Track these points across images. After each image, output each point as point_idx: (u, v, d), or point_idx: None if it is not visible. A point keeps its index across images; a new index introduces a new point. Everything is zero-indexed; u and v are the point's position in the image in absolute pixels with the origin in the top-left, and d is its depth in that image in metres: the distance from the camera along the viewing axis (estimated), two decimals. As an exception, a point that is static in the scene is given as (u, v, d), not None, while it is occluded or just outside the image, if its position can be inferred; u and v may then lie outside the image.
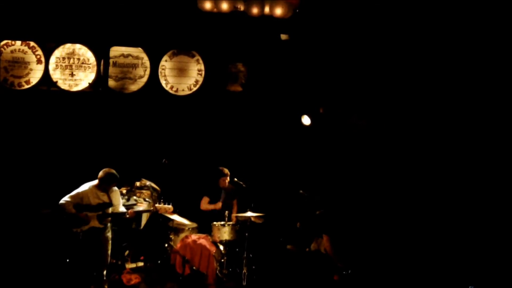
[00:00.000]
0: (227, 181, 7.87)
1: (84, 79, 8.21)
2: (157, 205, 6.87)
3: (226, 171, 7.88)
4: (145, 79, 8.36)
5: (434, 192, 7.00)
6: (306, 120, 8.24)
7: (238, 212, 7.77)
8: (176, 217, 7.16)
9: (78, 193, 6.51)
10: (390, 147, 7.55)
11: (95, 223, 6.53)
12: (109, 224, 6.73)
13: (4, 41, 7.96)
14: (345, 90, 7.95)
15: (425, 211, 7.00)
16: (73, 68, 8.16)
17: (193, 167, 8.40)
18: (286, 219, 7.79)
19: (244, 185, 7.72)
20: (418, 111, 7.27)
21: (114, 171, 6.61)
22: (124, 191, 7.78)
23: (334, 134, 8.13)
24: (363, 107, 7.78)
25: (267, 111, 8.46)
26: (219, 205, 7.77)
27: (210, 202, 7.89)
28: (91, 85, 8.17)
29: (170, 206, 6.82)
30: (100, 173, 6.60)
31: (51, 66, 8.14)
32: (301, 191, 7.53)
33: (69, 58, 8.17)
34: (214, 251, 7.28)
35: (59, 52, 8.16)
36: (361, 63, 7.64)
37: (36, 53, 8.10)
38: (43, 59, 8.10)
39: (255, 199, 7.52)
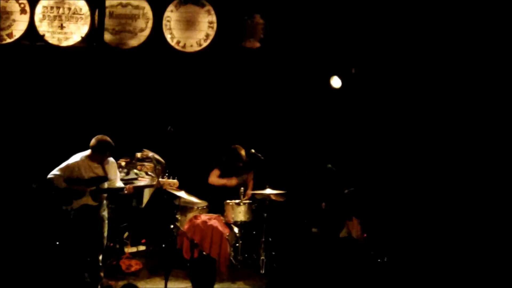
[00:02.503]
0: (241, 164, 7.78)
1: (75, 32, 8.16)
2: (160, 179, 6.76)
3: (243, 153, 7.71)
4: (147, 32, 8.25)
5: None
6: (335, 82, 8.15)
7: (255, 188, 7.72)
8: (183, 194, 7.09)
9: (68, 165, 6.44)
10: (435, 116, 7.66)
11: (88, 200, 6.46)
12: (104, 202, 6.65)
13: (-17, -11, 8.11)
14: (382, 46, 7.84)
15: (468, 195, 7.23)
16: (62, 19, 8.13)
17: (203, 136, 8.40)
18: (312, 197, 7.75)
19: (262, 158, 7.61)
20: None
21: (108, 138, 6.50)
22: (123, 164, 7.74)
23: (368, 98, 8.03)
24: (403, 67, 7.74)
25: (289, 72, 8.33)
26: (233, 181, 7.72)
27: (221, 176, 7.82)
28: (84, 39, 8.12)
29: (175, 180, 6.73)
30: (92, 141, 6.48)
31: (37, 17, 8.11)
32: (329, 165, 7.51)
33: (58, 8, 8.15)
34: (227, 233, 7.27)
35: (47, 0, 8.14)
36: (403, 11, 7.63)
37: (20, 1, 8.08)
38: (27, 8, 8.08)
39: (275, 174, 7.56)
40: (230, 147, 7.81)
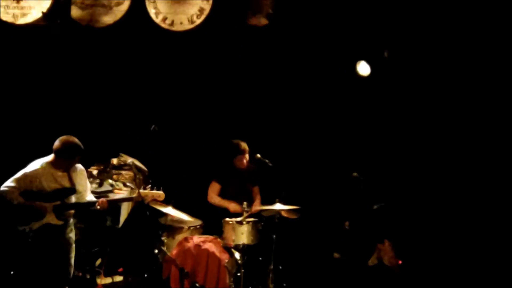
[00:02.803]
0: (245, 160, 7.76)
1: (35, 7, 8.16)
2: (142, 191, 6.63)
3: (244, 146, 7.74)
4: (125, 7, 8.20)
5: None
6: (363, 68, 8.04)
7: (262, 203, 7.70)
8: (171, 210, 7.07)
9: (25, 175, 6.35)
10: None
11: (51, 218, 6.37)
12: (71, 220, 6.59)
13: None
14: (423, 22, 7.72)
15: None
16: (19, -9, 8.22)
17: (196, 137, 8.35)
18: (333, 214, 7.77)
19: (270, 164, 7.57)
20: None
21: (76, 140, 6.40)
22: (95, 172, 7.76)
23: (405, 90, 7.94)
24: (451, 49, 7.63)
25: (305, 56, 8.19)
26: (234, 206, 7.69)
27: (223, 192, 7.83)
28: (45, 15, 8.09)
29: (161, 192, 6.63)
30: (56, 143, 6.37)
31: (-13, -11, 8.24)
32: (354, 174, 7.47)
33: (13, -24, 8.30)
34: (227, 260, 7.19)
35: (-1, -34, 8.28)
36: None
37: (-36, -32, 8.22)
38: (-26, -23, 8.22)
39: (286, 185, 7.41)
40: (229, 141, 7.79)
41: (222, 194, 7.81)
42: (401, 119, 8.02)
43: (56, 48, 8.10)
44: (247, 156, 7.75)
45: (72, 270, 6.51)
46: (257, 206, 7.64)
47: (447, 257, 7.18)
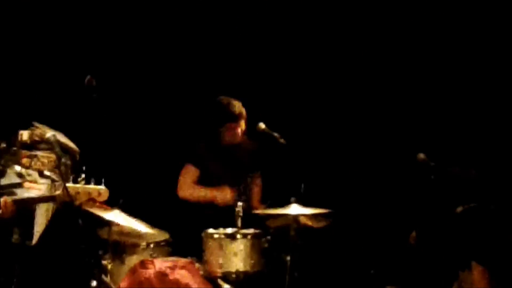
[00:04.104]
0: (239, 131, 7.81)
1: None
2: (71, 185, 6.38)
3: (238, 107, 7.81)
4: None
5: None
6: None
7: (270, 204, 7.66)
8: (118, 217, 6.90)
9: None
10: None
11: None
12: None
13: None
14: None
15: None
16: None
17: (159, 99, 8.53)
18: (386, 222, 7.99)
19: (281, 140, 7.50)
20: None
21: None
22: None
23: None
24: None
25: None
26: (227, 191, 7.69)
27: (202, 181, 7.73)
28: None
29: (103, 188, 6.47)
30: None
31: None
32: (421, 156, 7.26)
33: None
34: None
35: None
36: None
37: None
38: None
39: (308, 175, 7.42)
40: (214, 100, 7.89)
41: (202, 185, 7.82)
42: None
43: None
44: (243, 124, 7.75)
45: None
46: (256, 206, 7.69)
47: None
